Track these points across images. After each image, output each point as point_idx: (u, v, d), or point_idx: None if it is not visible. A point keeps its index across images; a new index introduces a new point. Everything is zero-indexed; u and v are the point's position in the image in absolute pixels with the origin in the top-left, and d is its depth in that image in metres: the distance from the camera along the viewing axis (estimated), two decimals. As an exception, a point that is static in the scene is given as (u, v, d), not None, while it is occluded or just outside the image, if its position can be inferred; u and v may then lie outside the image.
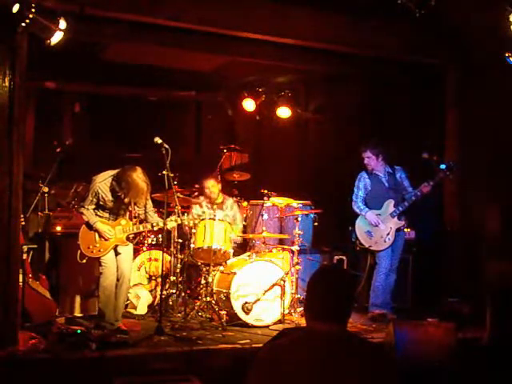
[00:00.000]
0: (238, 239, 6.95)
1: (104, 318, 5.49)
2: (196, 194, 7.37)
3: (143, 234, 6.77)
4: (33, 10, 4.54)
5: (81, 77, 8.02)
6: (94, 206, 5.55)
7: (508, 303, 2.78)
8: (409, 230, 6.99)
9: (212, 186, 7.01)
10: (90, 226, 5.55)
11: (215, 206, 6.55)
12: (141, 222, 5.87)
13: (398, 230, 6.48)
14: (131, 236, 5.79)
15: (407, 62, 6.88)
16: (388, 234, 6.43)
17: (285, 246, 6.77)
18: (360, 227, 6.57)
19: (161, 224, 5.68)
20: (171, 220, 5.78)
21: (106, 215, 5.62)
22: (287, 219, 7.33)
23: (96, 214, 5.57)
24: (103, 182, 5.50)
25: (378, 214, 6.48)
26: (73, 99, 8.54)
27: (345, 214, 6.88)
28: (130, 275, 5.77)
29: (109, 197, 5.51)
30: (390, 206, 6.49)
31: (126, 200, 5.47)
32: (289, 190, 7.37)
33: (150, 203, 5.80)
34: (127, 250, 5.68)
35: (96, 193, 5.50)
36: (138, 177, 5.39)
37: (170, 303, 6.37)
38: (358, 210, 6.57)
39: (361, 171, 6.63)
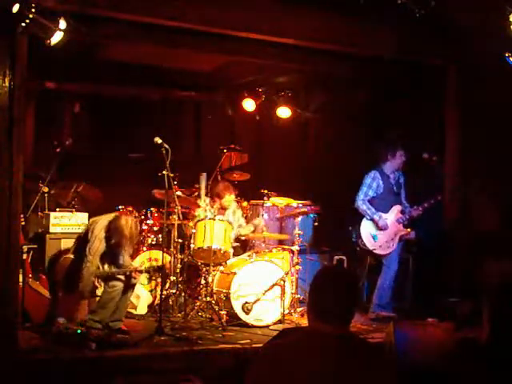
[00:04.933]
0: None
1: (97, 318, 5.49)
2: (196, 194, 7.36)
3: (143, 234, 6.77)
4: (33, 10, 4.54)
5: (81, 77, 8.01)
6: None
7: (507, 303, 2.78)
8: (409, 229, 6.99)
9: (230, 200, 6.86)
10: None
11: (216, 208, 6.57)
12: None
13: (401, 238, 6.49)
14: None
15: (407, 62, 6.87)
16: (392, 239, 6.44)
17: (285, 246, 6.76)
18: (366, 228, 6.49)
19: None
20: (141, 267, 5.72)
21: None
22: (287, 219, 7.33)
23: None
24: (101, 231, 5.44)
25: (385, 218, 6.47)
26: (73, 99, 8.54)
27: (345, 214, 6.87)
28: None
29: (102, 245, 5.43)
30: (397, 211, 6.48)
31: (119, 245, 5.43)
32: (289, 189, 7.37)
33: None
34: None
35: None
36: (128, 226, 5.37)
37: (170, 303, 6.37)
38: (367, 211, 6.43)
39: (370, 170, 6.56)
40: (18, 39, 4.79)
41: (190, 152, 9.15)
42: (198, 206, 6.84)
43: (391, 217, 6.47)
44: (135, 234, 5.54)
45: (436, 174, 6.39)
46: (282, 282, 6.08)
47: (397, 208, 6.50)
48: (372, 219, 6.44)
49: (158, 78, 8.32)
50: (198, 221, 6.34)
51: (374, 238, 6.45)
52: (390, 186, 6.54)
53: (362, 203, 6.45)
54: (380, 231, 6.44)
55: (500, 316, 2.64)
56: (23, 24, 4.57)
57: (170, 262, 6.50)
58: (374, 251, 6.48)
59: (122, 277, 5.48)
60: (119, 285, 5.48)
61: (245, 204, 7.38)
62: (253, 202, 7.40)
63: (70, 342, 4.88)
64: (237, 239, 6.96)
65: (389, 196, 6.52)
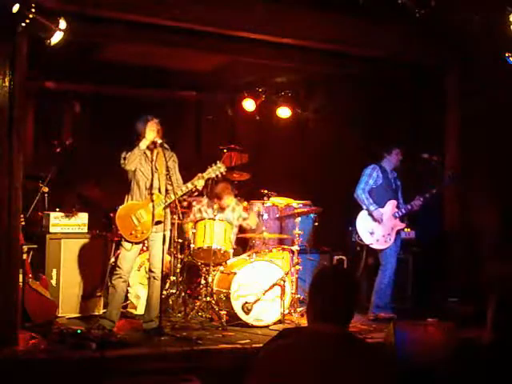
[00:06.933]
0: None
1: (105, 314, 5.52)
2: (196, 193, 7.35)
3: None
4: (33, 10, 4.54)
5: (81, 77, 8.01)
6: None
7: (508, 303, 2.78)
8: (409, 229, 6.99)
9: (230, 201, 6.96)
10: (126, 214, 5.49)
11: (216, 209, 6.57)
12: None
13: (397, 232, 6.49)
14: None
15: (407, 62, 6.88)
16: (389, 234, 6.43)
17: (285, 246, 6.76)
18: (362, 223, 6.46)
19: (189, 186, 5.64)
20: (199, 179, 5.70)
21: (138, 195, 5.54)
22: (287, 219, 7.32)
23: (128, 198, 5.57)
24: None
25: (381, 211, 6.47)
26: (73, 99, 8.53)
27: (344, 214, 6.87)
28: (161, 267, 5.44)
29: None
30: (392, 206, 6.48)
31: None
32: (289, 189, 7.37)
33: (176, 175, 5.71)
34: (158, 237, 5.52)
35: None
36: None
37: (170, 303, 6.37)
38: (365, 200, 6.40)
39: (368, 165, 6.54)
40: (18, 39, 4.80)
41: (190, 152, 9.15)
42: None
43: (387, 211, 6.46)
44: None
45: (436, 173, 6.39)
46: (282, 282, 6.08)
47: (392, 203, 6.49)
48: (368, 209, 6.42)
49: (158, 78, 8.32)
50: (198, 221, 6.35)
51: (371, 232, 6.42)
52: (388, 182, 6.53)
53: (361, 192, 6.42)
54: (376, 225, 6.41)
55: (503, 317, 2.64)
56: (23, 24, 4.58)
57: (170, 261, 6.51)
58: (371, 246, 6.44)
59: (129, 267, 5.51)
60: (124, 275, 5.49)
61: (245, 204, 7.38)
62: (253, 202, 7.40)
63: (70, 342, 4.88)
64: (236, 241, 6.96)
65: (386, 191, 6.50)
